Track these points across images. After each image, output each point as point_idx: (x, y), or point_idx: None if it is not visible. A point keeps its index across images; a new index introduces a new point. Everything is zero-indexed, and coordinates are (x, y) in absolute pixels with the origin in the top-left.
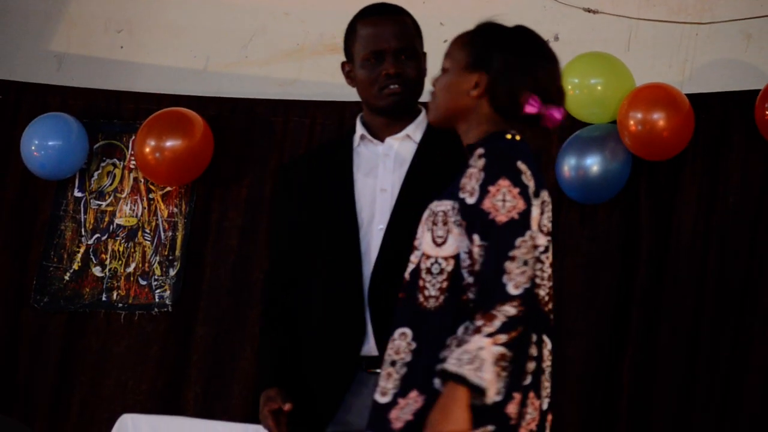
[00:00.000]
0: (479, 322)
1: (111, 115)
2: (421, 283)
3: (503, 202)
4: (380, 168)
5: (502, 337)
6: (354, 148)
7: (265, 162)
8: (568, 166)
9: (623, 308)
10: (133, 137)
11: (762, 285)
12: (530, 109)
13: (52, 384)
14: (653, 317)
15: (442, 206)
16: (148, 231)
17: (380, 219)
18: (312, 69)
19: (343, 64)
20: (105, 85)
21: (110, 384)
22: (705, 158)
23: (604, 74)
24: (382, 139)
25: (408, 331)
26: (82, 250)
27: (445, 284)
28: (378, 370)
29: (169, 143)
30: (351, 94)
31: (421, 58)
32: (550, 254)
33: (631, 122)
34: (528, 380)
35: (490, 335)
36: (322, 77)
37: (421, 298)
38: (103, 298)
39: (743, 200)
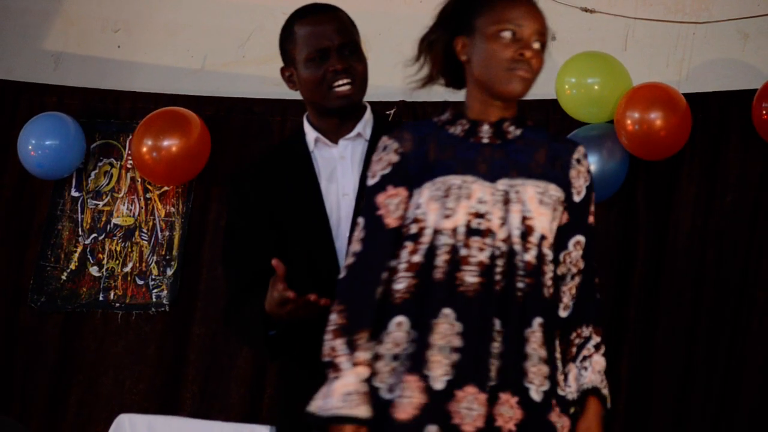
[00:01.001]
0: (597, 339)
1: (108, 115)
2: (545, 268)
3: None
4: (339, 171)
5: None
6: (310, 153)
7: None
8: None
9: (621, 307)
10: (130, 137)
11: (759, 283)
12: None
13: (49, 384)
14: (651, 316)
15: (557, 192)
16: (145, 231)
17: (346, 225)
18: None
19: (282, 70)
20: (102, 84)
21: (107, 384)
22: (702, 158)
23: (601, 74)
24: (334, 141)
25: (541, 320)
26: (79, 249)
27: (552, 274)
28: None
29: (166, 143)
30: None
31: (362, 53)
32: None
33: (629, 122)
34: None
35: (604, 354)
36: None
37: (545, 292)
38: (100, 298)
39: (740, 199)
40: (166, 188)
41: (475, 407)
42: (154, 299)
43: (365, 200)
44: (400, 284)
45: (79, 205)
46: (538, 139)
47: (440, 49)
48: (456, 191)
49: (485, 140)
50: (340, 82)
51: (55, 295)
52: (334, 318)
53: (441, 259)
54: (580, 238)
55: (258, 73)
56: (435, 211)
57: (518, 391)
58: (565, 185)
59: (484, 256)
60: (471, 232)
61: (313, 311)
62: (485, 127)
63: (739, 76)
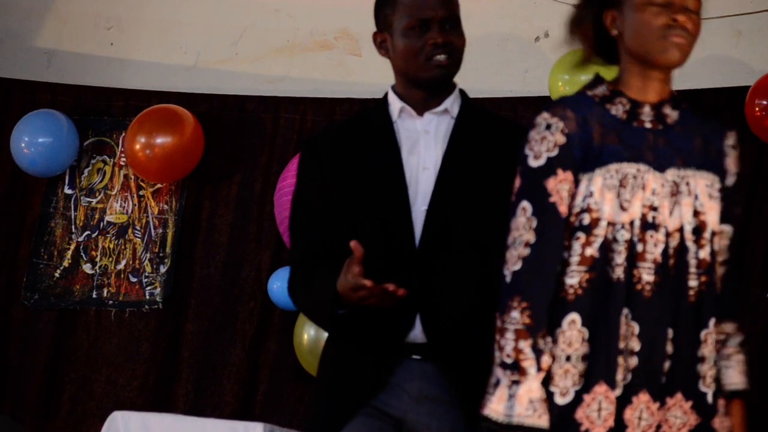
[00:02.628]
0: (741, 336)
1: (101, 112)
2: (715, 265)
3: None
4: (421, 145)
5: None
6: (393, 122)
7: (255, 159)
8: None
9: None
10: (124, 134)
11: (751, 279)
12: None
13: (42, 381)
14: None
15: (719, 183)
16: (138, 228)
17: (423, 200)
18: (302, 65)
19: (374, 35)
20: (95, 81)
21: (101, 381)
22: None
23: (595, 70)
24: (420, 114)
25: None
26: (72, 247)
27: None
28: (417, 357)
29: (159, 140)
30: (342, 91)
31: (462, 28)
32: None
33: None
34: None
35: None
36: (313, 74)
37: (717, 283)
38: (94, 296)
39: None
40: (159, 185)
41: (645, 417)
42: (147, 296)
43: (526, 182)
44: (573, 279)
45: (72, 202)
46: (694, 123)
47: (590, 27)
48: (631, 181)
49: (648, 125)
50: (439, 57)
51: (48, 293)
52: (517, 316)
53: (618, 254)
54: (727, 227)
55: (251, 70)
56: (610, 202)
57: (692, 396)
58: (722, 174)
59: (657, 253)
60: (646, 226)
61: (387, 301)
62: (646, 110)
63: (732, 73)
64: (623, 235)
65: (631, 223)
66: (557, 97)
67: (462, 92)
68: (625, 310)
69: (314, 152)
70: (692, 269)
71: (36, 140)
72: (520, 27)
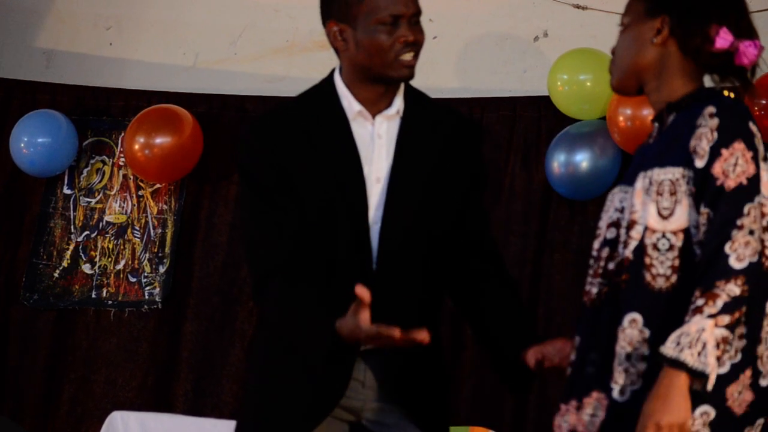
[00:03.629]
0: (700, 301)
1: (100, 112)
2: (647, 260)
3: (734, 167)
4: (374, 153)
5: (725, 319)
6: (350, 125)
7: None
8: (557, 162)
9: None
10: (123, 134)
11: None
12: (721, 42)
13: (41, 381)
14: None
15: (669, 174)
16: (137, 228)
17: (375, 213)
18: (302, 66)
19: (330, 24)
20: (94, 82)
21: (100, 381)
22: None
23: (593, 70)
24: (371, 114)
25: (638, 316)
26: (71, 247)
27: (676, 262)
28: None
29: (158, 140)
30: None
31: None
32: None
33: (621, 118)
34: (738, 358)
35: (712, 316)
36: (312, 74)
37: (649, 278)
38: (93, 296)
39: None
40: (158, 185)
41: None
42: (146, 296)
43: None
44: None
45: (71, 202)
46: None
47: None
48: None
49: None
50: (407, 56)
51: (47, 293)
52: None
53: None
54: (705, 209)
55: (250, 70)
56: None
57: None
58: (687, 158)
59: None
60: None
61: (401, 344)
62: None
63: None
64: None
65: None
66: (556, 97)
67: (407, 85)
68: None
69: (265, 136)
70: None
71: (35, 140)
72: (519, 27)
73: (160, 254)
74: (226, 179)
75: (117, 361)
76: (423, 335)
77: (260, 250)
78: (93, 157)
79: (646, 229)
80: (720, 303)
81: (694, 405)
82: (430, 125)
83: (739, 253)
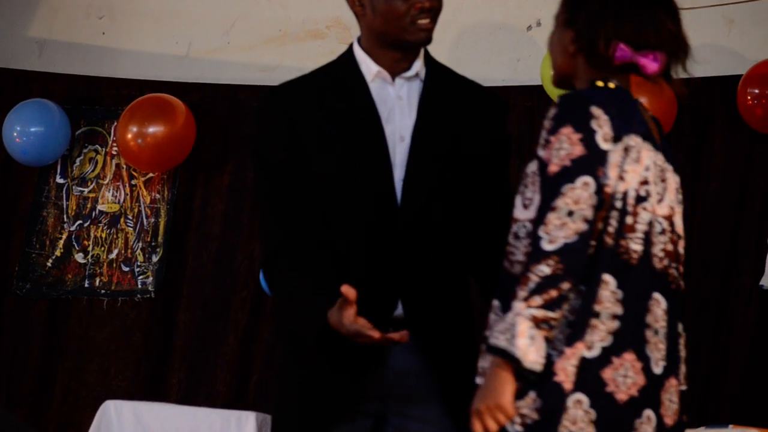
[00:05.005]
0: (518, 288)
1: (93, 102)
2: (508, 248)
3: (558, 151)
4: (396, 113)
5: (537, 300)
6: (368, 86)
7: (247, 148)
8: None
9: None
10: (115, 123)
11: (744, 269)
12: (620, 57)
13: (35, 371)
14: None
15: (531, 166)
16: (130, 217)
17: (400, 171)
18: (294, 55)
19: None
20: (87, 71)
21: (93, 370)
22: (687, 143)
23: None
24: (391, 77)
25: (496, 302)
26: (64, 236)
27: (530, 248)
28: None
29: (151, 129)
30: None
31: None
32: (660, 205)
33: None
34: (608, 341)
35: (524, 299)
36: (305, 63)
37: (507, 264)
38: (86, 285)
39: (725, 185)
40: (151, 175)
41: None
42: (139, 286)
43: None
44: None
45: (64, 191)
46: None
47: None
48: None
49: None
50: (423, 21)
51: (40, 282)
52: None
53: None
54: (539, 197)
55: (243, 59)
56: None
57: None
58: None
59: None
60: None
61: (381, 344)
62: None
63: (724, 62)
64: None
65: None
66: (549, 87)
67: (425, 52)
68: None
69: (277, 105)
70: None
71: (28, 130)
72: (512, 16)
73: (153, 243)
74: (219, 168)
75: (110, 351)
76: (402, 335)
77: (267, 228)
78: (86, 146)
79: (512, 219)
80: (531, 285)
81: (525, 389)
82: (453, 90)
83: (552, 235)
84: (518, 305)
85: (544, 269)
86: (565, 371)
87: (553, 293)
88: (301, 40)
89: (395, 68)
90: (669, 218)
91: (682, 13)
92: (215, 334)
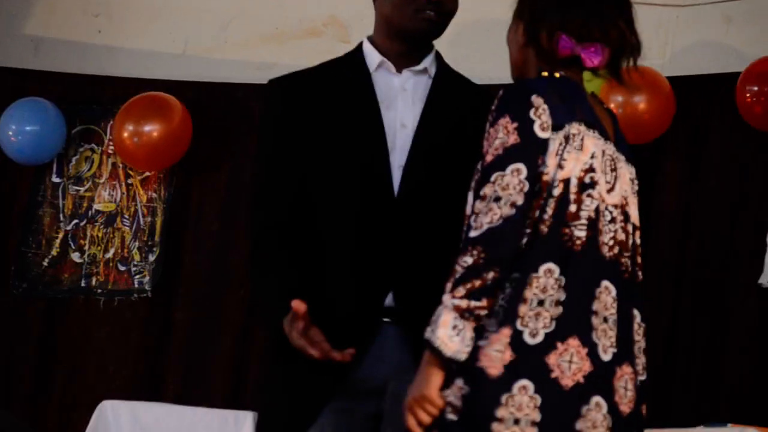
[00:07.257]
0: (448, 278)
1: (89, 100)
2: (460, 245)
3: (494, 141)
4: (399, 102)
5: (460, 290)
6: (371, 74)
7: (244, 147)
8: None
9: None
10: (112, 122)
11: (742, 267)
12: (563, 49)
13: (31, 371)
14: None
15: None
16: (126, 216)
17: (400, 157)
18: (291, 53)
19: None
20: (83, 69)
21: (90, 370)
22: (686, 141)
23: None
24: (398, 70)
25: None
26: (60, 236)
27: None
28: (387, 320)
29: (147, 128)
30: None
31: None
32: (611, 195)
33: (612, 105)
34: (551, 326)
35: (450, 290)
36: (302, 61)
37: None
38: (82, 284)
39: (724, 182)
40: (147, 174)
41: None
42: (136, 285)
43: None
44: None
45: (60, 191)
46: None
47: None
48: None
49: None
50: (428, 13)
51: (36, 282)
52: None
53: None
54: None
55: (239, 57)
56: None
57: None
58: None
59: None
60: None
61: (324, 360)
62: None
63: (722, 59)
64: None
65: None
66: None
67: (438, 54)
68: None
69: (283, 91)
70: None
71: (23, 128)
72: (511, 13)
73: (149, 243)
74: (215, 167)
75: (107, 350)
76: (345, 355)
77: (252, 218)
78: (82, 145)
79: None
80: (456, 276)
81: (450, 378)
82: (462, 92)
83: (478, 222)
84: (444, 297)
85: (468, 260)
86: (489, 356)
87: (477, 282)
88: (297, 38)
89: (402, 60)
90: (621, 207)
91: (682, 9)
92: (212, 334)
